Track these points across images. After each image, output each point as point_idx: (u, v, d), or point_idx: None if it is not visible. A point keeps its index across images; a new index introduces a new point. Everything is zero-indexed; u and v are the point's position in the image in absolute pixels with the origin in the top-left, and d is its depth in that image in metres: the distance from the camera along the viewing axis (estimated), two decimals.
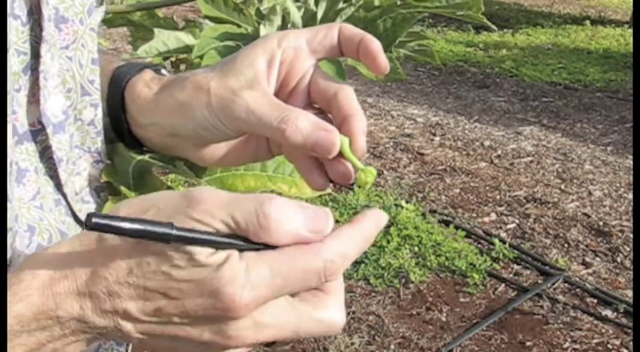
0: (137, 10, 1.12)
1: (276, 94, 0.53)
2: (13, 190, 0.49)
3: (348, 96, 0.52)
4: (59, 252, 0.43)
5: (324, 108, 0.54)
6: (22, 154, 0.51)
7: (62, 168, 0.54)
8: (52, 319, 0.42)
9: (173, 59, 1.27)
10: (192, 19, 1.20)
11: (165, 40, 0.95)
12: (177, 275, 0.40)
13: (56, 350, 0.43)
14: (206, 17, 0.99)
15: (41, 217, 0.52)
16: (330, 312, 0.43)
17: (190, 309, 0.41)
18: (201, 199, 0.41)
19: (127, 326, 0.42)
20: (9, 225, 0.48)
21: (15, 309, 0.41)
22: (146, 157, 0.65)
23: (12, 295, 0.41)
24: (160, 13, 1.24)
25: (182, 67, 1.28)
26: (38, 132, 0.52)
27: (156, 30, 0.97)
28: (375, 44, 0.51)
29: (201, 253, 0.40)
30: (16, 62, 0.49)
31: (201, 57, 0.86)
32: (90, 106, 0.57)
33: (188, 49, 0.96)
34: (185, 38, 0.96)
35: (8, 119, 0.47)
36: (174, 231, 0.39)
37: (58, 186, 0.54)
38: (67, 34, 0.54)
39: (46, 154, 0.53)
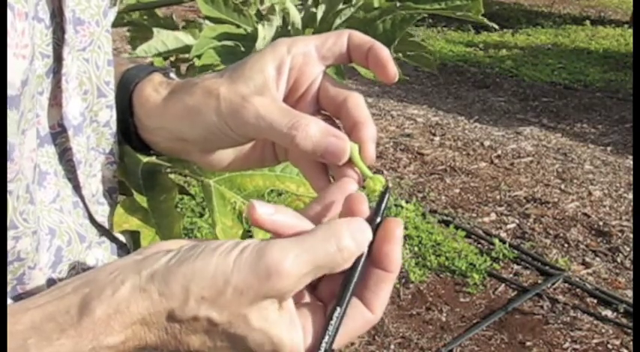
0: (137, 10, 1.12)
1: (285, 100, 0.53)
2: (36, 193, 0.49)
3: (357, 103, 0.52)
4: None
5: (333, 115, 0.54)
6: (42, 157, 0.51)
7: (80, 170, 0.54)
8: None
9: (172, 59, 1.27)
10: (192, 19, 1.20)
11: (164, 39, 0.95)
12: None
13: None
14: (206, 18, 0.99)
15: (61, 220, 0.52)
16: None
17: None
18: (280, 273, 0.42)
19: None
20: (33, 228, 0.48)
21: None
22: (153, 158, 0.65)
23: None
24: (160, 13, 1.24)
25: (182, 67, 1.28)
26: (58, 134, 0.52)
27: (155, 30, 0.97)
28: (385, 52, 0.51)
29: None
30: (40, 65, 0.49)
31: (199, 56, 0.86)
32: (106, 108, 0.57)
33: (187, 48, 0.96)
34: (184, 38, 0.96)
35: (31, 122, 0.47)
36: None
37: (76, 188, 0.54)
38: (84, 36, 0.54)
39: (65, 157, 0.53)
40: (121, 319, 0.42)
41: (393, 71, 0.51)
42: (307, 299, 0.48)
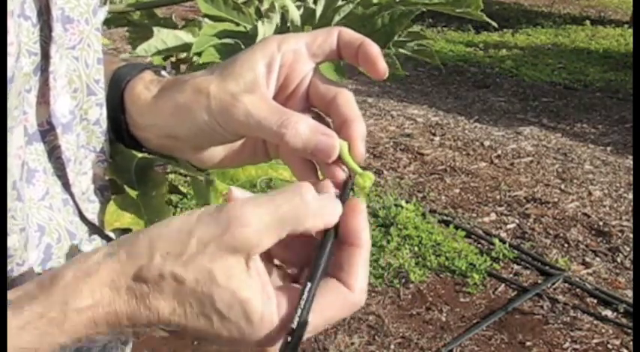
0: (137, 10, 1.12)
1: (275, 98, 0.53)
2: (24, 190, 0.49)
3: (347, 100, 0.52)
4: (104, 300, 0.43)
5: (323, 112, 0.54)
6: (31, 155, 0.51)
7: (70, 167, 0.54)
8: (94, 339, 0.44)
9: (173, 59, 1.27)
10: (192, 19, 1.20)
11: (164, 38, 0.95)
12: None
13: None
14: (205, 16, 0.99)
15: (50, 217, 0.52)
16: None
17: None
18: (243, 222, 0.42)
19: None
20: (21, 225, 0.48)
21: (62, 340, 0.42)
22: (146, 155, 0.65)
23: (58, 329, 0.42)
24: (160, 13, 1.24)
25: (182, 67, 1.28)
26: (46, 132, 0.52)
27: (155, 28, 0.97)
28: (375, 49, 0.51)
29: None
30: (27, 63, 0.49)
31: (199, 54, 0.86)
32: (95, 106, 0.57)
33: (187, 47, 0.95)
34: (184, 36, 0.96)
35: (18, 120, 0.47)
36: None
37: (66, 186, 0.54)
38: (73, 35, 0.54)
39: (54, 154, 0.53)
40: (90, 281, 0.42)
41: (383, 67, 0.51)
42: (284, 283, 0.49)
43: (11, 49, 0.44)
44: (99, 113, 0.57)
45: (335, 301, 0.46)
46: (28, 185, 0.51)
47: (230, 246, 0.42)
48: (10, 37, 0.44)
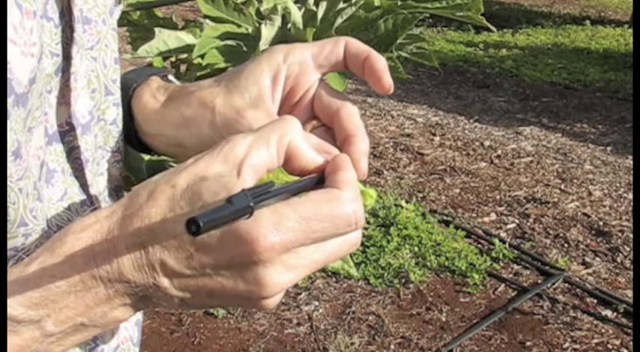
0: (137, 10, 1.12)
1: (280, 107, 0.54)
2: (44, 190, 0.50)
3: (349, 113, 0.51)
4: (100, 215, 0.44)
5: (326, 124, 0.54)
6: (50, 155, 0.51)
7: (88, 168, 0.54)
8: (96, 280, 0.42)
9: (173, 59, 1.27)
10: (193, 19, 1.20)
11: (165, 39, 0.95)
12: None
13: (105, 313, 0.43)
14: (206, 17, 0.99)
15: (69, 218, 0.53)
16: (347, 207, 0.43)
17: (220, 256, 0.41)
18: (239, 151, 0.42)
19: (164, 281, 0.42)
20: (42, 225, 0.48)
21: (62, 270, 0.42)
22: (155, 156, 0.66)
23: (57, 257, 0.42)
24: (160, 13, 1.24)
25: (182, 67, 1.28)
26: (66, 133, 0.53)
27: (156, 29, 0.97)
28: (381, 63, 0.51)
29: None
30: (49, 64, 0.49)
31: (202, 56, 0.86)
32: (113, 106, 0.57)
33: (189, 48, 0.95)
34: (186, 38, 0.96)
35: (39, 120, 0.48)
36: (251, 202, 0.39)
37: (84, 187, 0.55)
38: (91, 35, 0.54)
39: (72, 155, 0.54)
40: (85, 235, 0.43)
41: (389, 83, 0.51)
42: None
43: (34, 50, 0.44)
44: (116, 113, 0.58)
45: (322, 194, 0.43)
46: (47, 185, 0.51)
47: (221, 155, 0.42)
48: (33, 38, 0.44)
